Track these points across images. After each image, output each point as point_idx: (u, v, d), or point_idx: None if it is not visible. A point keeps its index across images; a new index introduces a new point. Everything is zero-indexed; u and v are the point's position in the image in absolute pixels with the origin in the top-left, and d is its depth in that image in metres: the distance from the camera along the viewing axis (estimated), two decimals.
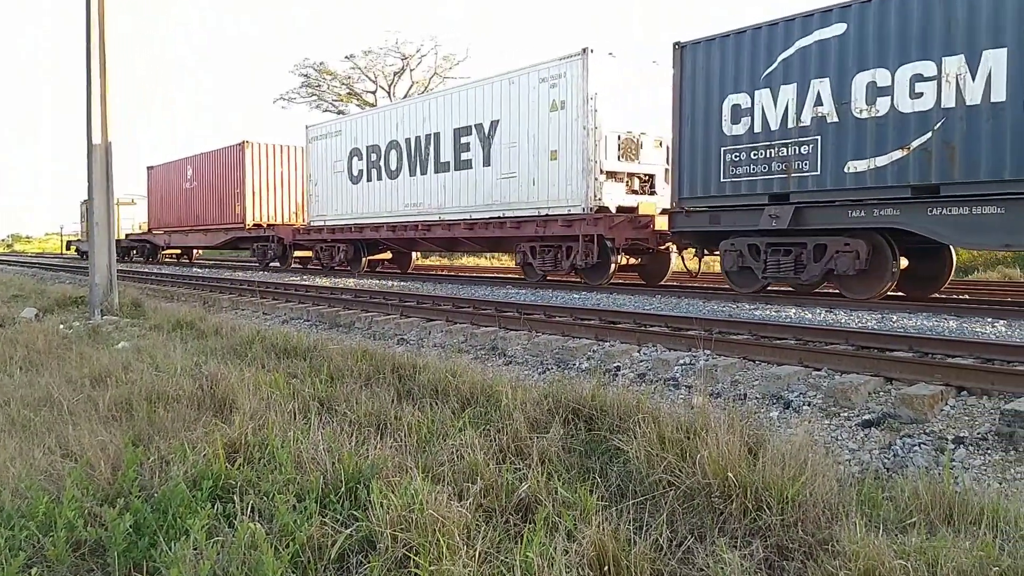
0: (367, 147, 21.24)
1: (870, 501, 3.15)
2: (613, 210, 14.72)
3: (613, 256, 14.55)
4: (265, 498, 3.10)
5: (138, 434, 4.16)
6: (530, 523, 2.91)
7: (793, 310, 10.18)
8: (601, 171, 14.67)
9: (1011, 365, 5.87)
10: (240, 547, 2.62)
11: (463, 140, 17.71)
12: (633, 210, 14.84)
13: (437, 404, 4.70)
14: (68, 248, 46.26)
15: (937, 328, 8.26)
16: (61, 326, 9.50)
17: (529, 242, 16.19)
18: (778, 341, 7.34)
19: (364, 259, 22.12)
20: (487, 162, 17.06)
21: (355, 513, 2.97)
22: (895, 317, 9.23)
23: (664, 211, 14.03)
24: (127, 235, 37.95)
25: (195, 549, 2.63)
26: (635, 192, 15.40)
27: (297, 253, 25.91)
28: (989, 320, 8.69)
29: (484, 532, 2.81)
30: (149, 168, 36.20)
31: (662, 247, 14.91)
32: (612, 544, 2.70)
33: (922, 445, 4.59)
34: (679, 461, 3.41)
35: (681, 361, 6.85)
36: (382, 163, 20.61)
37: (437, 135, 18.56)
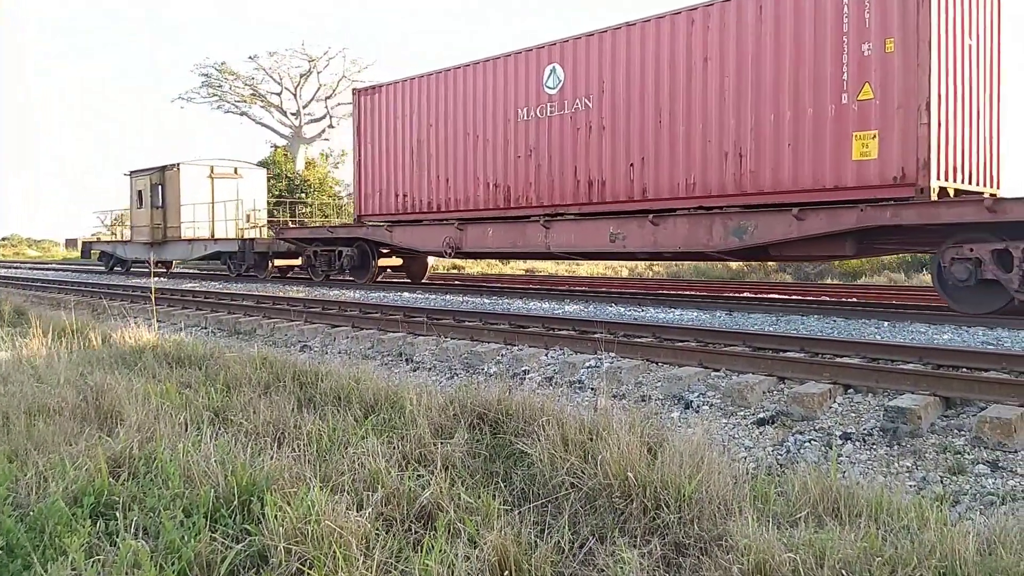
0: None
1: (763, 496, 3.24)
2: None
3: None
4: (151, 514, 2.94)
5: (14, 449, 3.89)
6: (432, 530, 2.86)
7: (695, 312, 10.47)
8: None
9: (894, 364, 6.19)
10: (122, 566, 2.48)
11: None
12: None
13: (339, 412, 4.59)
14: (87, 255, 33.47)
15: (827, 329, 8.65)
16: None
17: None
18: (680, 343, 7.53)
19: None
20: None
21: (248, 527, 2.86)
22: (789, 319, 9.61)
23: None
24: (279, 230, 20.59)
25: (73, 569, 2.48)
26: None
27: None
28: (875, 321, 9.16)
29: (384, 541, 2.75)
30: (360, 92, 17.96)
31: None
32: (514, 548, 2.68)
33: (812, 441, 4.78)
34: (582, 463, 3.43)
35: (587, 364, 6.93)
36: None
37: None
